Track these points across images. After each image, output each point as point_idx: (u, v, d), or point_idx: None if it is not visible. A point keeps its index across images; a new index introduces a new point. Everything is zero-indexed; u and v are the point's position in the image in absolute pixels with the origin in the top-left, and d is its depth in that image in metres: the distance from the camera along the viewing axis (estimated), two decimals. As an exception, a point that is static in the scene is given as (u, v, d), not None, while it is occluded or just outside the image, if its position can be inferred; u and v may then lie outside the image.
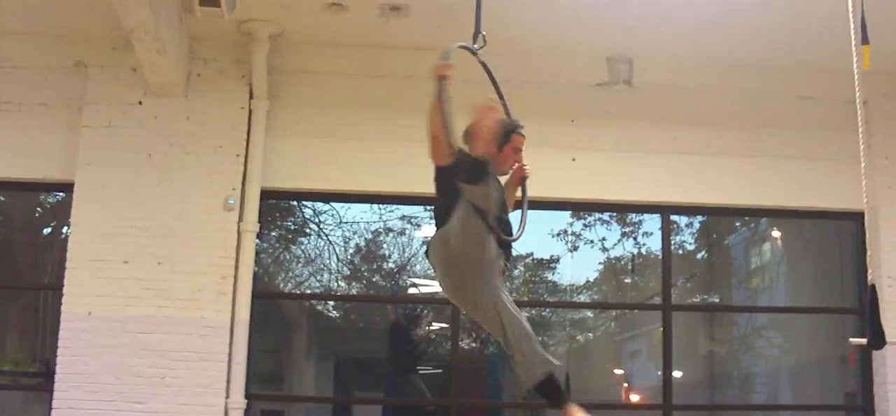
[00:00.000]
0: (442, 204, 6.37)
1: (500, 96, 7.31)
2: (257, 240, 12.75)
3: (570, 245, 17.01)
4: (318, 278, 17.45)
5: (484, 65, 7.20)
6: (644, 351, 19.24)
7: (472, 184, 5.87)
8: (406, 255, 17.08)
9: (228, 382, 12.11)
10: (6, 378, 14.27)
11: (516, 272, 17.76)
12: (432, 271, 6.52)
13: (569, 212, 15.67)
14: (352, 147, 12.76)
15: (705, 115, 13.22)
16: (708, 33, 12.10)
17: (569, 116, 13.03)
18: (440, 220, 6.41)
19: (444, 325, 14.26)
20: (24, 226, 15.97)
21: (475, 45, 7.17)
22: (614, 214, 16.06)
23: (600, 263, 17.69)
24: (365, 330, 19.28)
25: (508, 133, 6.73)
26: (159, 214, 12.30)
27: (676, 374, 13.82)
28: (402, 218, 16.31)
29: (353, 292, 17.92)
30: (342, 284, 17.50)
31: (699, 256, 18.06)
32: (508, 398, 16.68)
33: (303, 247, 17.08)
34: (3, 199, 15.75)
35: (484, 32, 7.20)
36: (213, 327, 12.12)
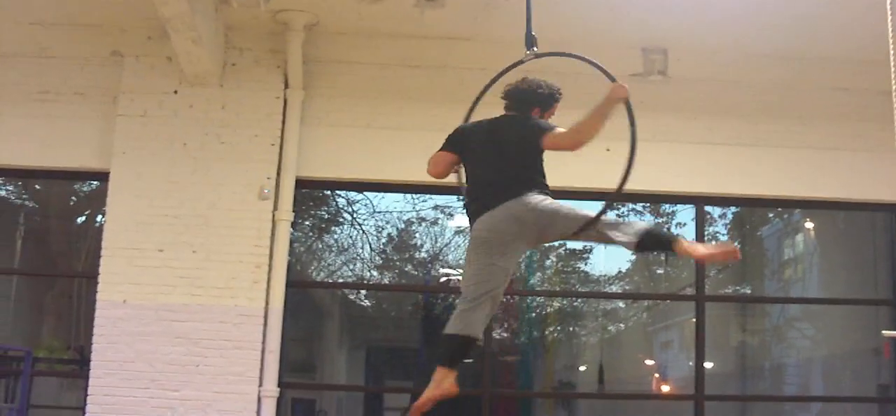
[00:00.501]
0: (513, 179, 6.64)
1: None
2: (291, 229, 12.78)
3: (603, 236, 16.99)
4: (351, 267, 17.51)
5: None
6: (676, 342, 19.25)
7: None
8: (438, 244, 17.11)
9: (261, 370, 12.13)
10: (42, 365, 14.36)
11: (548, 262, 17.79)
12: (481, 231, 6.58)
13: (602, 202, 15.64)
14: (386, 137, 12.78)
15: (739, 106, 13.18)
16: (742, 25, 12.05)
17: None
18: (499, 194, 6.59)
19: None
20: (59, 214, 16.07)
21: (532, 52, 7.26)
22: (648, 204, 16.03)
23: (633, 253, 17.70)
24: (397, 319, 19.34)
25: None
26: (194, 202, 12.33)
27: (708, 364, 13.79)
28: (435, 208, 16.36)
29: (386, 281, 17.96)
30: (374, 273, 17.56)
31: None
32: (539, 387, 16.69)
33: (336, 236, 17.14)
34: (38, 187, 15.85)
35: (534, 34, 7.25)
36: (247, 315, 12.14)
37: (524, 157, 6.79)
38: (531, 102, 7.05)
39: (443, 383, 6.44)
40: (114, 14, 12.45)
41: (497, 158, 6.77)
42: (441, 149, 7.07)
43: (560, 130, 6.78)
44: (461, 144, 7.02)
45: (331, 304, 18.69)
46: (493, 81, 7.35)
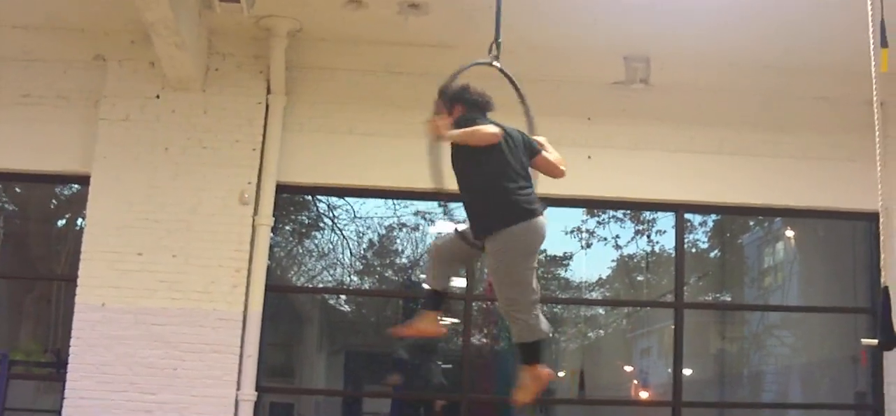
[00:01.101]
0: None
1: (520, 96, 7.44)
2: (272, 234, 12.79)
3: (583, 242, 17.05)
4: (331, 272, 17.50)
5: (502, 71, 7.30)
6: (655, 348, 19.27)
7: None
8: (419, 250, 17.11)
9: (240, 374, 12.13)
10: (19, 368, 14.25)
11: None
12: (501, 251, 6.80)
13: (583, 209, 15.71)
14: (368, 143, 12.80)
15: (721, 114, 13.22)
16: (725, 34, 12.10)
17: (585, 114, 13.05)
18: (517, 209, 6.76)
19: (456, 320, 14.25)
20: (38, 217, 16.02)
21: (491, 56, 7.26)
22: (628, 211, 16.07)
23: (613, 260, 17.75)
24: (376, 324, 19.33)
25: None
26: (175, 207, 12.34)
27: (687, 371, 13.83)
28: (416, 213, 16.36)
29: (366, 286, 17.96)
30: (355, 278, 17.56)
31: (712, 254, 18.08)
32: (518, 393, 16.68)
33: (316, 241, 17.14)
34: (19, 190, 15.80)
35: (500, 40, 7.24)
36: (226, 319, 12.15)
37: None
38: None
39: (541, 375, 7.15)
40: (97, 18, 12.45)
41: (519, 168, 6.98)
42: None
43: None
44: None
45: (310, 309, 18.68)
46: (454, 76, 7.37)
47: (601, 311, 19.67)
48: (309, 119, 12.85)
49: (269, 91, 12.64)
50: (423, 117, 11.93)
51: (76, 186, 14.10)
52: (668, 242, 15.62)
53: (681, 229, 13.68)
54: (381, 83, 12.94)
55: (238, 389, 12.08)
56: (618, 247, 17.20)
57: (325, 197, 15.85)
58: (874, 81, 7.44)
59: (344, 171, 12.86)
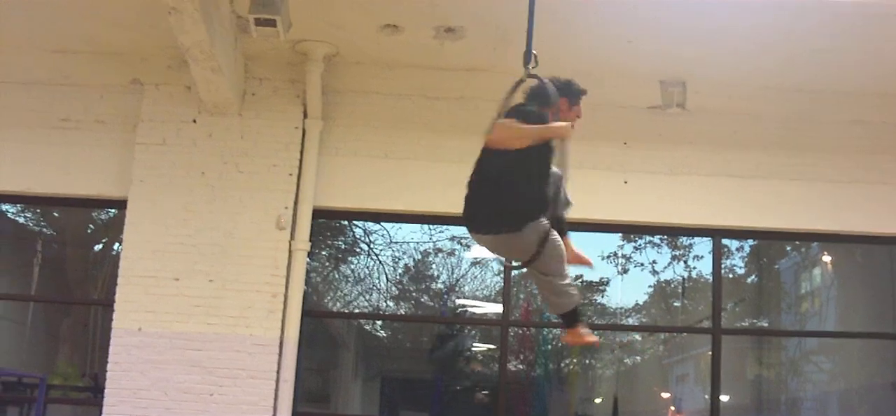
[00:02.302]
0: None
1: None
2: (308, 259, 12.76)
3: (620, 268, 16.99)
4: (367, 297, 17.48)
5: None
6: (691, 375, 19.17)
7: None
8: (455, 275, 17.09)
9: (276, 399, 12.10)
10: (56, 392, 14.36)
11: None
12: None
13: (619, 235, 15.64)
14: (404, 167, 12.79)
15: (758, 138, 13.14)
16: (761, 58, 12.03)
17: (621, 139, 13.00)
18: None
19: (492, 346, 14.23)
20: (75, 242, 16.11)
21: (531, 67, 7.18)
22: (665, 237, 16.00)
23: (650, 286, 17.66)
24: (412, 350, 19.32)
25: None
26: (211, 231, 12.35)
27: (724, 397, 13.75)
28: (452, 239, 16.35)
29: (402, 311, 17.93)
30: (390, 303, 17.53)
31: (749, 280, 17.97)
32: (555, 418, 16.64)
33: (352, 266, 17.13)
34: (57, 215, 15.89)
35: (535, 52, 7.19)
36: (262, 344, 12.12)
37: None
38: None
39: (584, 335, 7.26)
40: (134, 42, 12.49)
41: None
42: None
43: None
44: None
45: (346, 334, 18.68)
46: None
47: (638, 337, 19.61)
48: (345, 143, 12.84)
49: (305, 115, 12.65)
50: (456, 142, 12.03)
51: (113, 210, 14.14)
52: (705, 267, 15.54)
53: (718, 254, 13.59)
54: (416, 107, 12.93)
55: (274, 414, 12.06)
56: (654, 272, 17.14)
57: (361, 222, 15.83)
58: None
59: (380, 195, 12.85)
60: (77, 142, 12.75)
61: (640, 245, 16.60)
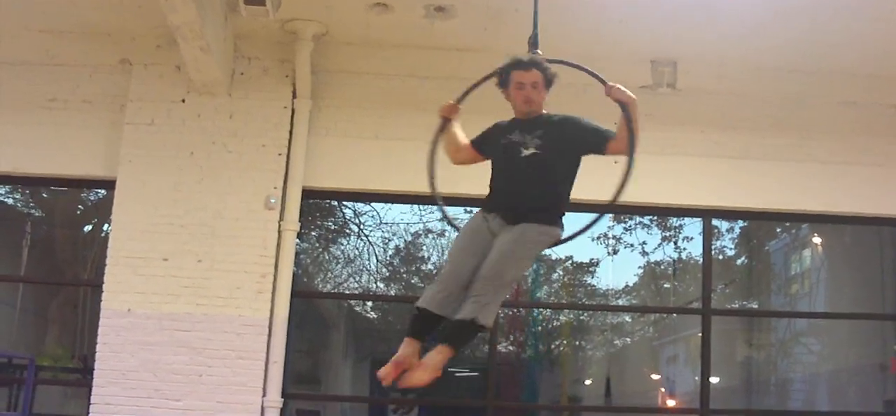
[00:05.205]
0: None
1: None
2: (297, 239, 12.75)
3: (610, 249, 16.98)
4: (357, 278, 17.44)
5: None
6: (682, 356, 19.18)
7: None
8: (445, 256, 17.05)
9: (265, 380, 12.12)
10: (46, 373, 14.33)
11: (554, 276, 17.73)
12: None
13: (609, 215, 15.60)
14: (394, 148, 12.75)
15: (748, 119, 13.13)
16: (752, 38, 12.03)
17: (612, 119, 12.94)
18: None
19: (482, 327, 14.16)
20: (64, 223, 16.05)
21: (537, 50, 7.17)
22: (655, 217, 15.99)
23: (640, 267, 17.64)
24: (402, 331, 19.26)
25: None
26: (200, 212, 12.33)
27: (714, 379, 13.75)
28: (442, 219, 16.30)
29: (392, 293, 17.90)
30: (381, 285, 17.50)
31: (739, 261, 17.96)
32: (545, 401, 16.63)
33: (342, 247, 17.08)
34: (45, 195, 15.84)
35: (537, 32, 7.17)
36: (251, 325, 12.13)
37: None
38: None
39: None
40: (123, 22, 12.46)
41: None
42: None
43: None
44: None
45: (336, 315, 18.64)
46: (487, 78, 7.24)
47: (628, 318, 19.58)
48: (334, 123, 12.83)
49: (294, 95, 12.63)
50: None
51: (102, 191, 14.08)
52: (695, 248, 15.54)
53: (708, 235, 13.59)
54: (407, 87, 12.90)
55: (264, 395, 12.07)
56: (644, 253, 17.12)
57: (351, 203, 15.78)
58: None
59: (370, 176, 12.84)
60: (65, 122, 12.72)
61: (630, 226, 16.59)
